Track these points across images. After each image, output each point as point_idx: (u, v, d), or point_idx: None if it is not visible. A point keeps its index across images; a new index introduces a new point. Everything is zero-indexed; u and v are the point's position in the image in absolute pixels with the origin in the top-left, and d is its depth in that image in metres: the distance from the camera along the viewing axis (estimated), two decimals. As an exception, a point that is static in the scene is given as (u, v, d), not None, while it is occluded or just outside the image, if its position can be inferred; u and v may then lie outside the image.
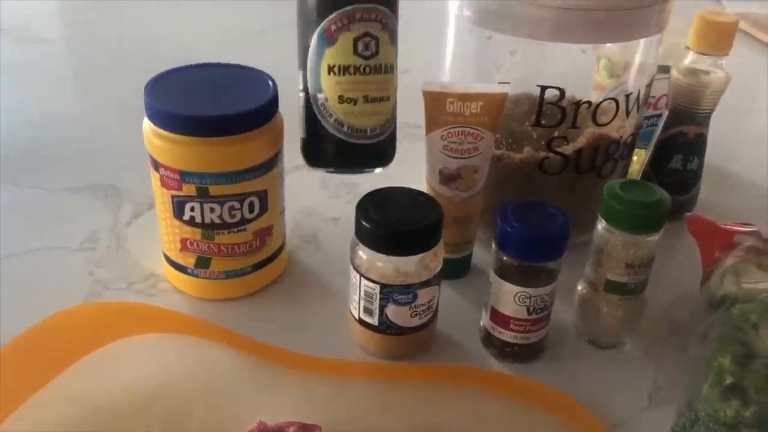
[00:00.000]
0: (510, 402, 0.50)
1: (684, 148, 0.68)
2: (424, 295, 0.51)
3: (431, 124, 0.56)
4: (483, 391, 0.51)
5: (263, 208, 0.55)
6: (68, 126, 0.83)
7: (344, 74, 0.50)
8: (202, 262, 0.56)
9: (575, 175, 0.60)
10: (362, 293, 0.51)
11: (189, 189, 0.52)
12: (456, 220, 0.58)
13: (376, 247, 0.49)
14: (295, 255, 0.64)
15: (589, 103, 0.58)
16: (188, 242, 0.55)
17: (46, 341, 0.53)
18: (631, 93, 0.59)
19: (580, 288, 0.55)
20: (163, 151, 0.52)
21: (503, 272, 0.51)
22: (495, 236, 0.51)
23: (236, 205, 0.53)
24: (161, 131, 0.51)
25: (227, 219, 0.54)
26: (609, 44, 0.59)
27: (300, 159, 0.56)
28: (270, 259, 0.58)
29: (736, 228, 0.56)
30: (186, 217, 0.53)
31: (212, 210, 0.53)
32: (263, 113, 0.53)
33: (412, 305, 0.51)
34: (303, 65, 0.52)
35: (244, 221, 0.54)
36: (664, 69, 0.66)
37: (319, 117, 0.52)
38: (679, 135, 0.68)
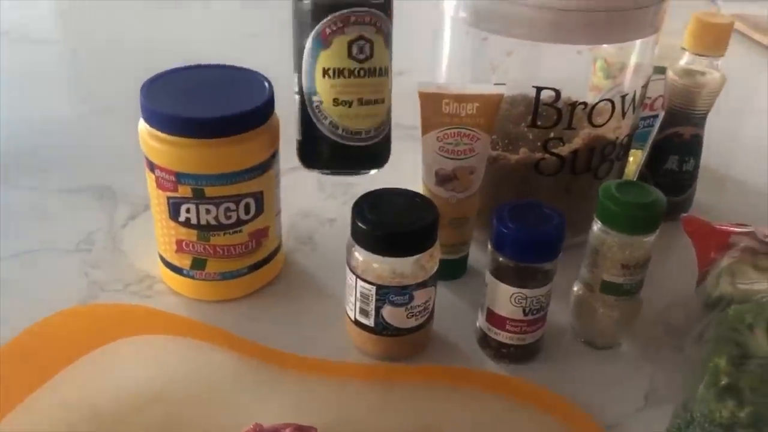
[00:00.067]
0: (506, 403, 0.50)
1: (680, 148, 0.68)
2: (420, 296, 0.51)
3: (427, 125, 0.56)
4: (479, 392, 0.51)
5: (259, 210, 0.55)
6: (65, 127, 0.83)
7: (339, 77, 0.51)
8: (198, 264, 0.56)
9: (571, 176, 0.60)
10: (358, 294, 0.51)
11: (184, 190, 0.52)
12: (452, 221, 0.58)
13: (372, 249, 0.49)
14: (292, 256, 0.64)
15: (585, 104, 0.58)
16: (184, 244, 0.55)
17: (42, 343, 0.53)
18: (627, 94, 0.59)
19: (575, 289, 0.55)
20: (159, 153, 0.52)
21: (499, 273, 0.51)
22: (491, 237, 0.51)
23: (232, 206, 0.53)
24: (156, 132, 0.51)
25: (223, 220, 0.54)
26: (605, 45, 0.59)
27: (296, 160, 0.56)
28: (266, 261, 0.58)
29: (731, 229, 0.56)
30: (181, 218, 0.53)
31: (208, 211, 0.53)
32: (259, 115, 0.53)
33: (408, 306, 0.51)
34: (298, 68, 0.52)
35: (239, 222, 0.54)
36: (660, 70, 0.66)
37: (314, 119, 0.52)
38: (675, 136, 0.68)
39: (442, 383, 0.52)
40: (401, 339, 0.52)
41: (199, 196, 0.52)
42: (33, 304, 0.56)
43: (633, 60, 0.59)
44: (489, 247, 0.51)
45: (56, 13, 1.20)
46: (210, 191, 0.52)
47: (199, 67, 0.57)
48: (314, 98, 0.52)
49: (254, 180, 0.53)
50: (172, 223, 0.54)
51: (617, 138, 0.61)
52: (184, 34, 1.10)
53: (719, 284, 0.52)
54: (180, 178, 0.52)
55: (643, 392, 0.52)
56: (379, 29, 0.50)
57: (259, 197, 0.54)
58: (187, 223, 0.54)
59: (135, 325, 0.55)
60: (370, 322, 0.52)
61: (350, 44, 0.50)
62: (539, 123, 0.59)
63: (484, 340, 0.54)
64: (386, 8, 0.51)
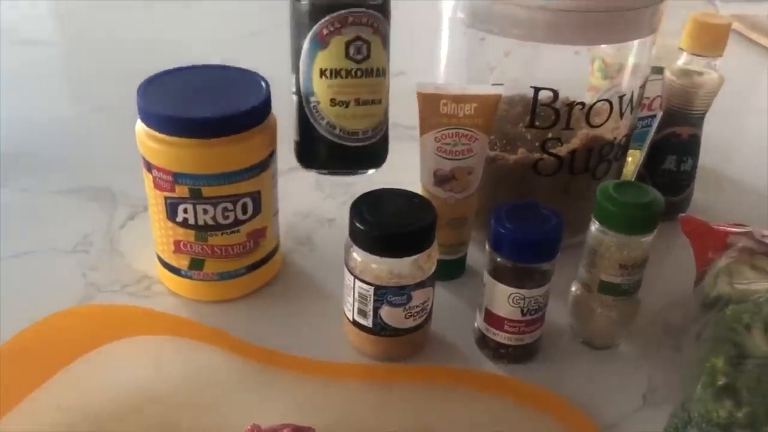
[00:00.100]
0: (505, 403, 0.50)
1: (678, 149, 0.68)
2: (418, 297, 0.51)
3: (425, 126, 0.56)
4: (477, 392, 0.51)
5: (257, 210, 0.55)
6: (63, 128, 0.83)
7: (336, 77, 0.51)
8: (196, 264, 0.56)
9: (569, 177, 0.60)
10: (356, 295, 0.51)
11: (182, 190, 0.52)
12: (450, 221, 0.58)
13: (370, 249, 0.49)
14: (290, 257, 0.64)
15: (583, 104, 0.58)
16: (181, 244, 0.55)
17: (40, 344, 0.53)
18: (625, 94, 0.59)
19: (573, 289, 0.55)
20: (156, 153, 0.52)
21: (497, 273, 0.51)
22: (489, 237, 0.51)
23: (229, 206, 0.53)
24: (153, 133, 0.51)
25: (220, 220, 0.53)
26: (603, 46, 0.59)
27: (294, 161, 0.56)
28: (264, 261, 0.58)
29: (729, 229, 0.56)
30: (179, 218, 0.53)
31: (205, 211, 0.53)
32: (256, 114, 0.53)
33: (406, 307, 0.51)
34: (296, 68, 0.52)
35: (237, 222, 0.54)
36: (658, 70, 0.66)
37: (312, 119, 0.52)
38: (673, 136, 0.68)
39: (441, 383, 0.52)
40: (399, 339, 0.52)
41: (196, 196, 0.52)
42: (31, 305, 0.55)
43: (631, 60, 0.59)
44: (487, 247, 0.51)
45: (54, 13, 1.20)
46: (207, 191, 0.52)
47: (195, 67, 0.57)
48: (311, 98, 0.52)
49: (251, 180, 0.53)
50: (170, 224, 0.54)
51: (615, 138, 0.61)
52: (184, 35, 1.10)
53: (717, 284, 0.52)
54: (177, 178, 0.52)
55: (641, 392, 0.52)
56: (377, 30, 0.51)
57: (256, 197, 0.54)
58: (184, 224, 0.54)
59: (133, 326, 0.55)
60: (368, 322, 0.52)
61: (347, 45, 0.50)
62: (537, 123, 0.59)
63: (483, 341, 0.54)
64: (384, 9, 0.51)
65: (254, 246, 0.56)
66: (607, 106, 0.59)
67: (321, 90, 0.51)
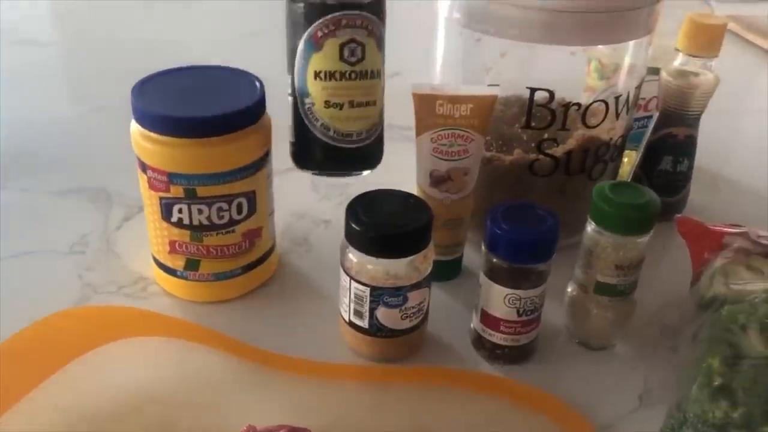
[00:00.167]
0: (501, 404, 0.50)
1: (674, 149, 0.68)
2: (414, 298, 0.51)
3: (421, 127, 0.56)
4: (474, 393, 0.51)
5: (252, 210, 0.55)
6: (59, 129, 0.83)
7: (330, 80, 0.51)
8: (191, 265, 0.56)
9: (565, 177, 0.60)
10: (352, 296, 0.51)
11: (176, 191, 0.52)
12: (446, 222, 0.58)
13: (366, 250, 0.49)
14: (286, 257, 0.64)
15: (579, 105, 0.58)
16: (177, 244, 0.55)
17: (36, 345, 0.53)
18: (621, 95, 0.59)
19: (569, 290, 0.55)
20: (150, 153, 0.52)
21: (493, 274, 0.51)
22: (485, 238, 0.51)
23: (224, 206, 0.53)
24: (148, 133, 0.51)
25: (215, 220, 0.53)
26: (599, 46, 0.59)
27: (290, 161, 0.56)
28: (260, 261, 0.58)
29: (725, 229, 0.56)
30: (174, 218, 0.53)
31: (200, 211, 0.53)
32: (250, 114, 0.53)
33: (403, 308, 0.51)
34: (291, 69, 0.52)
35: (232, 222, 0.54)
36: (654, 71, 0.66)
37: (306, 121, 0.53)
38: (669, 136, 0.68)
39: (437, 384, 0.52)
40: (395, 340, 0.52)
41: (191, 196, 0.52)
42: (27, 306, 0.55)
43: (627, 61, 0.59)
44: (483, 248, 0.51)
45: (54, 13, 1.20)
46: (202, 191, 0.52)
47: (190, 68, 0.57)
48: (306, 100, 0.52)
49: (246, 179, 0.53)
50: (165, 224, 0.54)
51: (611, 139, 0.61)
52: (183, 35, 1.10)
53: (713, 285, 0.52)
54: (172, 178, 0.51)
55: (637, 393, 0.52)
56: (371, 32, 0.51)
57: (251, 197, 0.54)
58: (179, 224, 0.53)
59: (129, 327, 0.55)
60: (364, 323, 0.52)
61: (342, 47, 0.50)
62: (533, 124, 0.59)
63: (479, 341, 0.54)
64: (378, 11, 0.51)
65: (250, 246, 0.56)
66: (603, 106, 0.59)
67: (315, 92, 0.52)
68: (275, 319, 0.57)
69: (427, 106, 0.55)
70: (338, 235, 0.51)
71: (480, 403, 0.50)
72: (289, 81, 0.53)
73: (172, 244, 0.55)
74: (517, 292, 0.50)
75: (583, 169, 0.61)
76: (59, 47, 1.09)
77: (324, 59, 0.50)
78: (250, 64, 0.58)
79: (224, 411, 0.48)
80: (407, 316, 0.51)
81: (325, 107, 0.52)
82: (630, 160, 0.72)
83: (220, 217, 0.53)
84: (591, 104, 0.59)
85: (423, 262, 0.50)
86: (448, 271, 0.61)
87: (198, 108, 0.51)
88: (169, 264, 0.56)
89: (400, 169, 0.58)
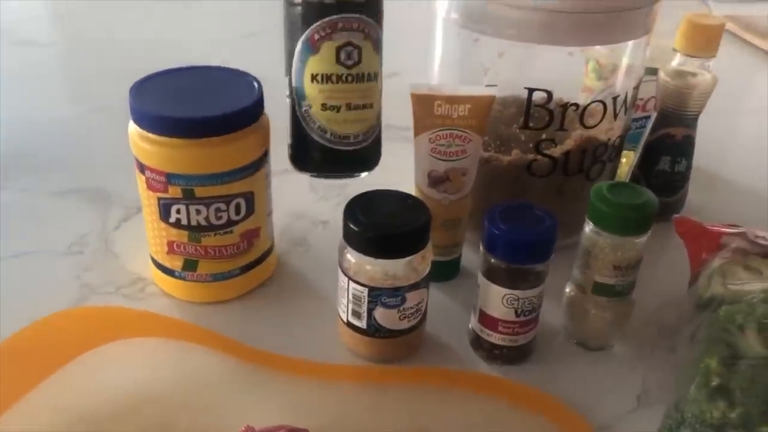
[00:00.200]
0: (499, 404, 0.50)
1: (672, 149, 0.68)
2: (412, 298, 0.51)
3: (419, 127, 0.56)
4: (472, 393, 0.51)
5: (250, 210, 0.55)
6: (57, 129, 0.83)
7: (327, 82, 0.51)
8: (190, 265, 0.56)
9: (563, 178, 0.60)
10: (350, 296, 0.51)
11: (175, 191, 0.52)
12: (444, 222, 0.58)
13: (364, 250, 0.49)
14: (285, 258, 0.64)
15: (577, 105, 0.58)
16: (175, 245, 0.55)
17: (34, 346, 0.53)
18: (619, 95, 0.59)
19: (568, 290, 0.55)
20: (148, 154, 0.52)
21: (491, 274, 0.51)
22: (483, 239, 0.51)
23: (222, 206, 0.53)
24: (146, 134, 0.51)
25: (214, 221, 0.53)
26: (597, 46, 0.59)
27: (288, 162, 0.56)
28: (258, 262, 0.58)
29: (723, 229, 0.56)
30: (172, 219, 0.53)
31: (198, 212, 0.53)
32: (248, 114, 0.53)
33: (401, 308, 0.51)
34: (289, 71, 0.52)
35: (230, 223, 0.54)
36: (652, 71, 0.66)
37: (304, 123, 0.53)
38: (667, 137, 0.68)
39: (435, 385, 0.52)
40: (394, 341, 0.52)
41: (189, 197, 0.52)
42: (25, 306, 0.55)
43: (624, 61, 0.59)
44: (481, 248, 0.51)
45: (53, 13, 1.20)
46: (200, 192, 0.52)
47: (188, 68, 0.57)
48: (303, 102, 0.52)
49: (244, 180, 0.53)
50: (163, 225, 0.54)
51: (609, 139, 0.61)
52: (182, 35, 1.10)
53: (711, 285, 0.52)
54: (170, 178, 0.51)
55: (635, 393, 0.52)
56: (368, 35, 0.51)
57: (249, 197, 0.54)
58: (177, 224, 0.53)
59: (127, 328, 0.55)
60: (362, 323, 0.52)
61: (338, 50, 0.50)
62: (531, 124, 0.59)
63: (477, 342, 0.54)
64: (375, 14, 0.51)
65: (248, 247, 0.56)
66: (600, 107, 0.59)
67: (312, 94, 0.52)
68: (273, 319, 0.57)
69: (425, 106, 0.55)
70: (336, 236, 0.51)
71: (478, 404, 0.50)
72: (287, 83, 0.53)
73: (170, 244, 0.55)
74: (515, 292, 0.50)
75: (581, 170, 0.61)
76: (58, 47, 1.09)
77: (321, 62, 0.51)
78: (249, 65, 0.58)
79: (222, 411, 0.48)
80: (405, 317, 0.51)
81: (322, 110, 0.52)
82: (628, 161, 0.72)
83: (219, 218, 0.53)
84: (589, 104, 0.59)
85: (421, 262, 0.50)
86: (446, 271, 0.61)
87: (196, 108, 0.51)
88: (168, 264, 0.56)
89: (398, 170, 0.58)
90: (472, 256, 0.62)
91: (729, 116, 0.95)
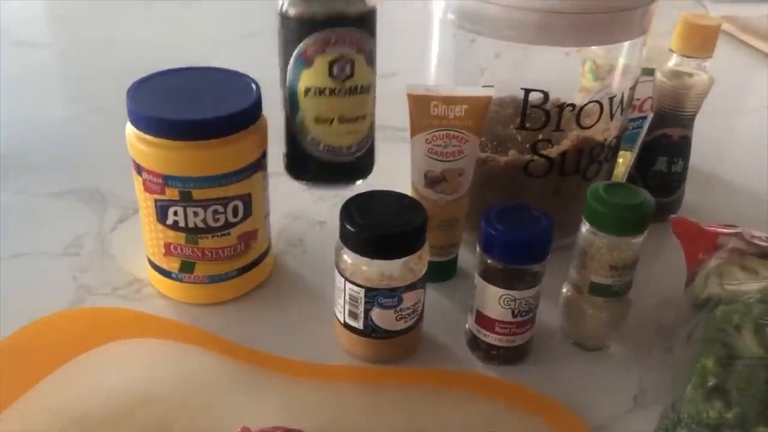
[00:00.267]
0: (496, 405, 0.50)
1: (668, 150, 0.68)
2: (409, 299, 0.51)
3: (416, 128, 0.56)
4: (469, 394, 0.51)
5: (247, 212, 0.55)
6: (54, 130, 0.83)
7: (320, 96, 0.52)
8: (187, 267, 0.55)
9: (560, 178, 0.60)
10: (347, 297, 0.51)
11: (172, 193, 0.52)
12: (441, 223, 0.58)
13: (361, 251, 0.49)
14: (282, 259, 0.64)
15: (573, 105, 0.58)
16: (172, 247, 0.55)
17: (31, 347, 0.53)
18: (615, 96, 0.59)
19: (564, 290, 0.55)
20: (146, 156, 0.51)
21: (488, 275, 0.51)
22: (479, 239, 0.51)
23: (220, 209, 0.53)
24: (143, 135, 0.51)
25: (211, 223, 0.53)
26: (593, 47, 0.60)
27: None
28: (255, 263, 0.58)
29: (719, 230, 0.56)
30: (169, 221, 0.53)
31: (196, 214, 0.53)
32: (245, 117, 0.53)
33: (398, 309, 0.51)
34: (283, 83, 0.53)
35: (228, 225, 0.54)
36: (649, 71, 0.66)
37: (298, 135, 0.53)
38: (664, 137, 0.68)
39: (432, 385, 0.52)
40: (390, 341, 0.52)
41: (186, 199, 0.52)
42: (21, 308, 0.55)
43: (621, 62, 0.59)
44: (478, 249, 0.51)
45: (51, 14, 1.20)
46: (197, 194, 0.52)
47: (185, 69, 0.57)
48: (297, 114, 0.53)
49: (242, 182, 0.53)
50: (160, 226, 0.54)
51: (606, 140, 0.61)
52: (182, 35, 1.10)
53: (707, 285, 0.52)
54: (167, 180, 0.51)
55: (632, 393, 0.52)
56: (361, 49, 0.51)
57: (247, 200, 0.54)
58: (174, 226, 0.53)
59: (123, 329, 0.55)
60: (359, 324, 0.52)
61: (331, 64, 0.51)
62: (528, 125, 0.59)
63: (474, 342, 0.54)
64: (368, 27, 0.52)
65: (245, 248, 0.56)
66: (597, 107, 0.59)
67: (306, 107, 0.53)
68: (270, 320, 0.57)
69: (421, 107, 0.55)
70: (334, 237, 0.51)
71: (475, 404, 0.50)
72: (281, 94, 0.53)
73: (167, 246, 0.55)
74: (512, 292, 0.50)
75: (577, 170, 0.61)
76: (56, 48, 1.09)
77: (314, 76, 0.51)
78: (249, 65, 0.58)
79: (219, 413, 0.48)
80: (402, 318, 0.51)
81: (315, 122, 0.53)
82: (625, 161, 0.72)
83: (216, 220, 0.53)
84: (585, 105, 0.59)
85: (418, 263, 0.50)
86: (443, 272, 0.61)
87: (194, 110, 0.51)
88: (164, 266, 0.56)
89: (394, 170, 0.59)
90: (468, 256, 0.62)
91: (726, 117, 0.95)
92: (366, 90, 0.53)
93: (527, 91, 0.57)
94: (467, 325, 0.55)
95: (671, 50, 0.65)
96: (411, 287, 0.50)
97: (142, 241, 0.58)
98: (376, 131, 0.58)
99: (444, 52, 0.63)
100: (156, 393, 0.49)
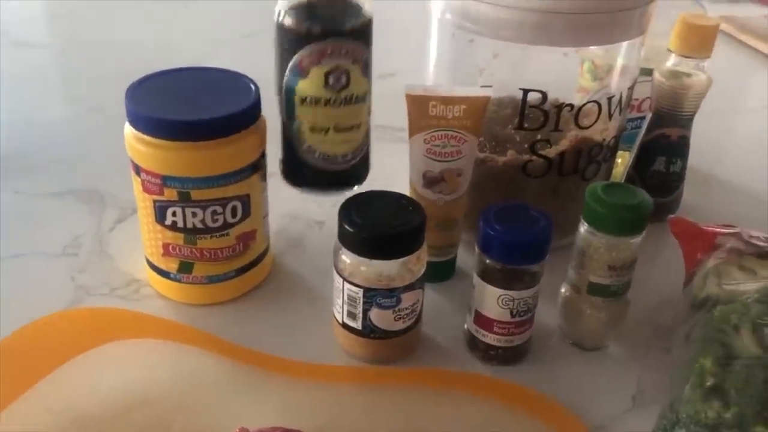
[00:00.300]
0: (494, 405, 0.50)
1: (667, 150, 0.68)
2: (407, 299, 0.51)
3: (414, 128, 0.56)
4: (467, 394, 0.51)
5: (246, 213, 0.55)
6: (52, 130, 0.83)
7: (315, 105, 0.52)
8: (185, 267, 0.55)
9: (558, 178, 0.60)
10: (346, 297, 0.51)
11: (170, 194, 0.52)
12: (439, 223, 0.58)
13: (359, 251, 0.49)
14: (280, 259, 0.64)
15: (572, 106, 0.58)
16: (170, 247, 0.55)
17: (29, 347, 0.53)
18: (614, 96, 0.60)
19: (563, 290, 0.55)
20: (144, 156, 0.51)
21: (486, 275, 0.51)
22: (478, 239, 0.51)
23: (218, 209, 0.53)
24: (142, 136, 0.51)
25: (210, 224, 0.53)
26: (591, 47, 0.60)
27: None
28: (254, 264, 0.58)
29: (718, 230, 0.56)
30: (168, 221, 0.53)
31: (194, 215, 0.53)
32: (244, 117, 0.53)
33: (396, 309, 0.51)
34: (279, 91, 0.53)
35: (226, 226, 0.54)
36: (647, 71, 0.66)
37: (294, 142, 0.53)
38: (662, 137, 0.68)
39: (431, 386, 0.52)
40: (389, 342, 0.52)
41: (185, 200, 0.52)
42: (19, 308, 0.55)
43: (619, 62, 0.59)
44: (476, 249, 0.51)
45: (48, 15, 1.20)
46: (196, 194, 0.52)
47: (184, 70, 0.57)
48: (293, 123, 0.53)
49: (241, 183, 0.53)
50: (159, 227, 0.54)
51: (604, 140, 0.61)
52: (181, 35, 1.10)
53: (706, 285, 0.52)
54: (166, 181, 0.51)
55: (630, 393, 0.52)
56: (357, 59, 0.52)
57: (245, 200, 0.54)
58: (173, 227, 0.53)
59: (122, 329, 0.55)
60: (357, 324, 0.52)
61: (327, 75, 0.51)
62: (526, 125, 0.59)
63: (473, 342, 0.54)
64: (364, 38, 0.52)
65: (244, 249, 0.56)
66: (595, 107, 0.59)
67: (301, 116, 0.53)
68: (269, 321, 0.57)
69: (420, 107, 0.55)
70: (332, 237, 0.51)
71: (474, 405, 0.50)
72: (277, 102, 0.53)
73: (165, 246, 0.55)
74: (511, 293, 0.50)
75: (576, 170, 0.61)
76: (54, 48, 1.09)
77: (309, 86, 0.52)
78: (247, 66, 0.58)
79: (218, 413, 0.48)
80: (401, 318, 0.51)
81: (310, 131, 0.53)
82: (623, 161, 0.72)
83: (215, 221, 0.53)
84: (584, 105, 0.59)
85: (416, 263, 0.50)
86: (441, 272, 0.61)
87: (192, 111, 0.51)
88: (163, 266, 0.56)
89: (393, 170, 0.58)
90: (467, 256, 0.62)
91: (724, 117, 0.95)
92: (361, 99, 0.53)
93: (526, 92, 0.57)
94: (466, 326, 0.55)
95: (669, 50, 0.66)
96: (409, 287, 0.50)
97: (140, 242, 0.58)
98: (374, 131, 0.58)
99: (442, 52, 0.63)
100: (154, 393, 0.49)
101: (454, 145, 0.56)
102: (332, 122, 0.52)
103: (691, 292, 0.54)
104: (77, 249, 0.64)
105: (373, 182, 0.55)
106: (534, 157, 0.59)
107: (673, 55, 0.65)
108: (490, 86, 0.56)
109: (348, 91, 0.52)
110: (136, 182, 0.54)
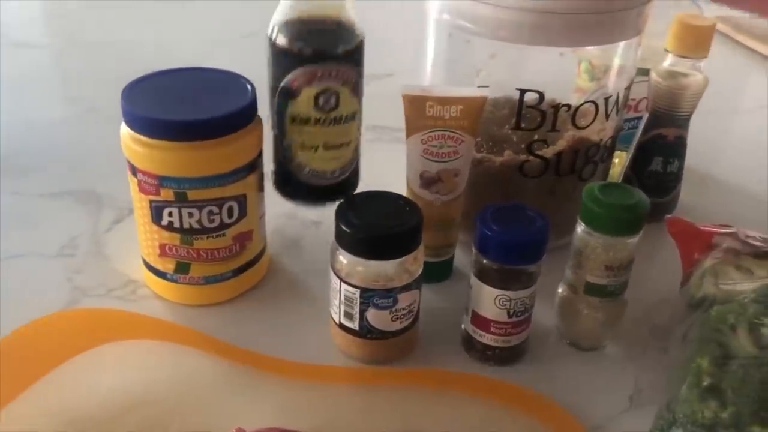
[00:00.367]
0: (491, 405, 0.50)
1: (664, 150, 0.69)
2: (404, 299, 0.51)
3: (411, 128, 0.56)
4: (465, 394, 0.51)
5: (242, 213, 0.55)
6: (49, 131, 0.83)
7: (305, 125, 0.53)
8: (182, 268, 0.55)
9: (555, 178, 0.60)
10: (342, 298, 0.51)
11: (167, 194, 0.52)
12: (437, 223, 0.58)
13: (356, 252, 0.49)
14: (277, 259, 0.63)
15: (569, 106, 0.58)
16: (167, 248, 0.55)
17: (25, 348, 0.52)
18: (611, 96, 0.60)
19: (560, 290, 0.55)
20: (141, 157, 0.51)
21: (483, 275, 0.51)
22: (474, 239, 0.51)
23: (215, 209, 0.53)
24: (138, 136, 0.51)
25: (206, 224, 0.53)
26: (588, 47, 0.60)
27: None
28: (250, 264, 0.58)
29: (715, 230, 0.56)
30: (164, 222, 0.53)
31: (191, 215, 0.53)
32: (240, 117, 0.53)
33: (393, 309, 0.51)
34: (272, 107, 0.53)
35: (223, 226, 0.54)
36: (644, 72, 0.66)
37: (285, 158, 0.54)
38: (659, 137, 0.68)
39: (427, 386, 0.52)
40: (386, 342, 0.52)
41: (181, 200, 0.52)
42: (16, 309, 0.55)
43: (616, 62, 0.59)
44: (473, 249, 0.51)
45: (46, 15, 1.20)
46: (192, 195, 0.52)
47: (180, 70, 0.57)
48: (284, 139, 0.54)
49: (237, 183, 0.53)
50: (155, 227, 0.54)
51: (601, 140, 0.61)
52: (179, 36, 1.09)
53: (702, 285, 0.52)
54: (162, 181, 0.51)
55: (627, 393, 0.52)
56: (346, 81, 0.52)
57: (242, 200, 0.54)
58: (170, 227, 0.53)
59: (119, 330, 0.55)
60: (354, 325, 0.52)
61: (316, 97, 0.52)
62: (523, 125, 0.59)
63: (470, 343, 0.54)
64: (355, 60, 0.52)
65: (240, 249, 0.56)
66: (592, 107, 0.59)
67: (292, 133, 0.54)
68: (266, 321, 0.57)
69: (416, 107, 0.55)
70: (329, 237, 0.51)
71: (471, 405, 0.50)
72: (269, 116, 0.54)
73: (162, 247, 0.55)
74: (508, 293, 0.50)
75: (573, 170, 0.61)
76: (50, 49, 1.08)
77: (299, 106, 0.52)
78: (245, 66, 0.58)
79: (214, 413, 0.48)
80: (397, 318, 0.51)
81: (300, 149, 0.54)
82: (620, 161, 0.72)
83: (211, 221, 0.53)
84: (581, 105, 0.59)
85: (413, 263, 0.50)
86: (438, 272, 0.61)
87: (189, 111, 0.51)
88: (159, 267, 0.56)
89: (390, 171, 0.58)
90: (464, 257, 0.62)
91: (721, 117, 0.95)
92: (350, 119, 0.54)
93: (523, 92, 0.57)
94: (463, 326, 0.55)
95: (666, 50, 0.66)
96: (406, 288, 0.50)
97: (137, 242, 0.58)
98: (371, 132, 0.58)
99: (439, 52, 0.63)
100: (152, 394, 0.49)
101: (451, 145, 0.56)
102: (321, 140, 0.53)
103: (688, 292, 0.54)
104: (74, 250, 0.63)
105: (370, 182, 0.55)
106: (531, 158, 0.59)
107: (669, 55, 0.65)
108: (487, 86, 0.56)
109: (337, 112, 0.53)
110: (132, 183, 0.54)
